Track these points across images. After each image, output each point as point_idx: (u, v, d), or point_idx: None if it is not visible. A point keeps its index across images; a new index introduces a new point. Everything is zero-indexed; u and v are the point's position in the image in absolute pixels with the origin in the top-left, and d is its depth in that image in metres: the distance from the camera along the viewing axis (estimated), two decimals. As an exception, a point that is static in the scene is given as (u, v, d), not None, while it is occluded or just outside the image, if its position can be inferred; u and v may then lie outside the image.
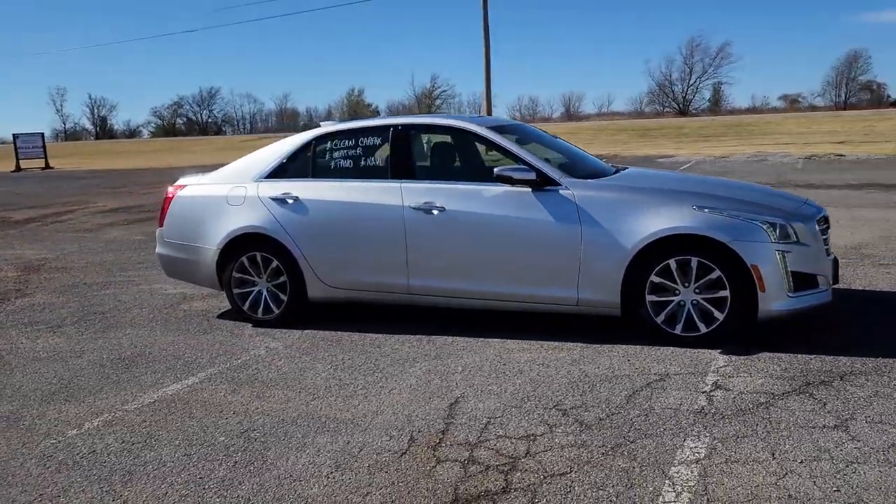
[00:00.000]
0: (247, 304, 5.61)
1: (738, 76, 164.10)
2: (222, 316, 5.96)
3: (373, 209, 5.22)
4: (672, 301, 4.62)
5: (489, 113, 31.50)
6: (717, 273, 4.49)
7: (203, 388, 4.30)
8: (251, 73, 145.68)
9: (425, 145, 5.88)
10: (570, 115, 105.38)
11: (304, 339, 5.21)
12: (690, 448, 3.24)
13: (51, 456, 3.48)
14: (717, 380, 4.04)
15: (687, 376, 4.12)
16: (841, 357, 4.28)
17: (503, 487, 2.98)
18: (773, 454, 3.15)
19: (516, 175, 4.82)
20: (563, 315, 5.07)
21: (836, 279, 4.84)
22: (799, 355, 4.35)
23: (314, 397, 4.08)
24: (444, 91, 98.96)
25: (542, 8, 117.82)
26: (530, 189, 4.86)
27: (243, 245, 5.53)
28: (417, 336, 5.10)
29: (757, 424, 3.45)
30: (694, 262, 4.52)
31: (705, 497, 2.83)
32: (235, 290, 5.62)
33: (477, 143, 5.49)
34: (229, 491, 3.06)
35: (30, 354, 5.13)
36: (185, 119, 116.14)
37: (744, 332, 4.60)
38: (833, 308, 4.89)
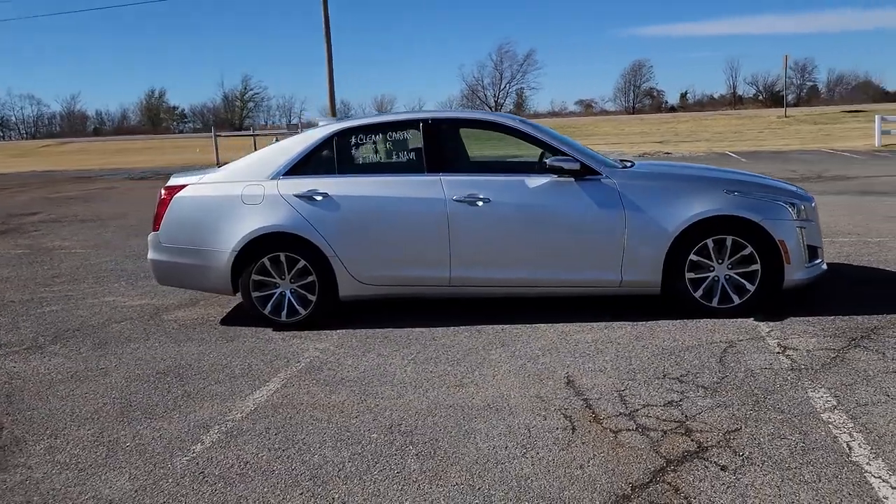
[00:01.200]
0: (268, 307, 5.36)
1: (543, 82, 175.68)
2: (226, 322, 5.64)
3: (413, 203, 5.21)
4: (708, 277, 5.09)
5: (333, 115, 31.22)
6: (749, 249, 5.01)
7: (295, 393, 4.11)
8: (33, 72, 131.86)
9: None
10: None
11: (348, 338, 5.08)
12: (819, 398, 3.66)
13: (201, 472, 3.22)
14: (779, 342, 4.54)
15: (750, 342, 4.58)
16: (856, 316, 4.96)
17: (697, 447, 3.21)
18: (888, 395, 3.65)
19: (566, 165, 5.05)
20: (569, 298, 5.36)
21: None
22: (822, 317, 4.98)
23: (425, 390, 4.06)
24: (257, 94, 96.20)
25: (352, 12, 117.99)
26: (573, 179, 5.11)
27: (264, 246, 5.27)
28: (460, 327, 5.16)
29: (849, 374, 3.96)
30: (729, 240, 5.02)
31: (874, 433, 3.24)
32: (255, 294, 5.34)
33: (511, 137, 5.64)
34: (441, 479, 3.03)
35: (44, 378, 4.58)
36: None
37: (770, 301, 5.15)
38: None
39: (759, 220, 4.97)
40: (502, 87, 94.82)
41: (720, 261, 5.07)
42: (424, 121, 5.42)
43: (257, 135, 29.94)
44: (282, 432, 3.58)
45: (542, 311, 5.41)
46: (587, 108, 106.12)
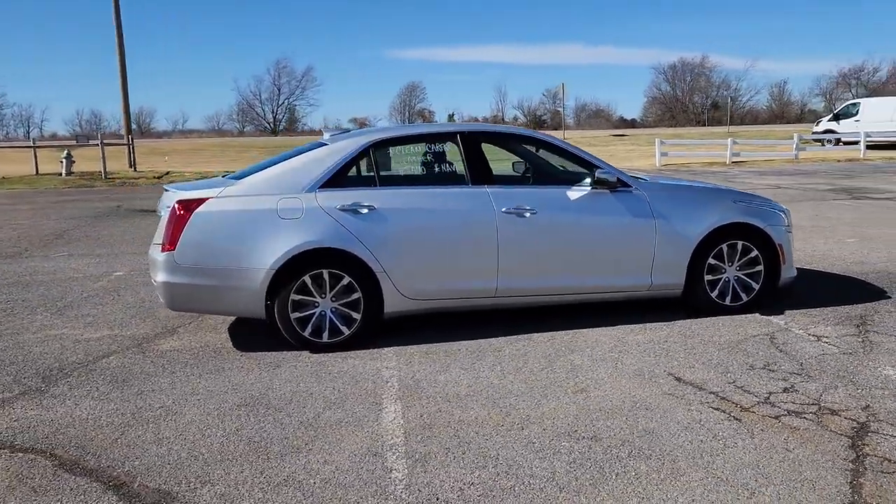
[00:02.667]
0: (308, 328, 5.01)
1: (321, 99, 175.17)
2: (244, 348, 5.16)
3: (462, 215, 5.19)
4: (721, 278, 5.65)
5: (127, 128, 28.85)
6: (755, 252, 5.65)
7: (429, 412, 3.95)
8: None
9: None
10: (142, 131, 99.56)
11: (405, 355, 4.92)
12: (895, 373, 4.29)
13: (442, 499, 3.03)
14: (805, 332, 5.18)
15: (782, 333, 5.17)
16: (840, 306, 5.79)
17: (858, 424, 3.64)
18: (941, 367, 4.38)
19: (611, 178, 5.34)
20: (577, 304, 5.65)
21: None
22: (812, 309, 5.74)
23: (555, 396, 4.11)
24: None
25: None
26: (608, 190, 5.42)
27: (306, 263, 4.94)
28: (508, 337, 5.21)
29: (891, 352, 4.66)
30: (739, 245, 5.62)
31: (970, 398, 3.91)
32: (294, 315, 4.98)
33: (542, 150, 5.79)
34: (678, 477, 3.15)
35: (103, 424, 3.92)
36: None
37: (768, 298, 5.83)
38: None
39: (763, 226, 5.63)
40: (280, 102, 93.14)
41: (730, 263, 5.65)
42: (461, 133, 5.42)
43: (37, 146, 26.68)
44: (469, 451, 3.45)
45: (566, 317, 5.60)
46: (361, 125, 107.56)
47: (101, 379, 4.61)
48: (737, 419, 3.73)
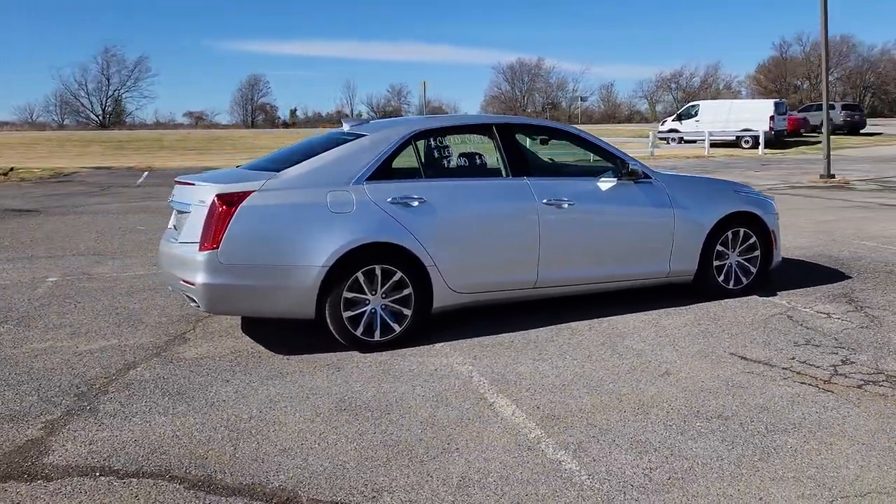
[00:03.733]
0: (360, 327, 4.80)
1: (157, 91, 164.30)
2: (282, 351, 4.85)
3: (508, 207, 5.18)
4: (725, 264, 6.03)
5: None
6: (753, 238, 6.08)
7: (549, 405, 3.92)
8: None
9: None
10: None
11: (465, 350, 4.85)
12: (920, 343, 4.80)
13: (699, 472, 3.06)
14: (812, 310, 5.64)
15: (795, 311, 5.60)
16: (819, 286, 6.35)
17: (925, 387, 4.06)
18: (950, 335, 4.95)
19: (639, 169, 5.53)
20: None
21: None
22: (799, 290, 6.26)
23: (650, 382, 4.22)
24: None
25: None
26: (633, 181, 5.62)
27: (359, 259, 4.74)
28: (549, 327, 5.26)
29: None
30: (742, 231, 6.02)
31: None
32: (346, 314, 4.75)
33: (569, 142, 5.85)
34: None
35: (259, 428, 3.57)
36: None
37: (763, 281, 6.28)
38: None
39: (761, 213, 6.07)
40: (110, 93, 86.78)
41: (733, 249, 6.03)
42: (497, 125, 5.40)
43: None
44: (618, 438, 3.48)
45: (584, 307, 5.73)
46: (198, 120, 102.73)
47: (151, 392, 4.17)
48: (828, 391, 4.01)
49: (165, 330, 5.42)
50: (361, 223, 4.74)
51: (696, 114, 34.81)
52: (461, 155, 5.39)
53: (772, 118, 32.07)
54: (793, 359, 4.55)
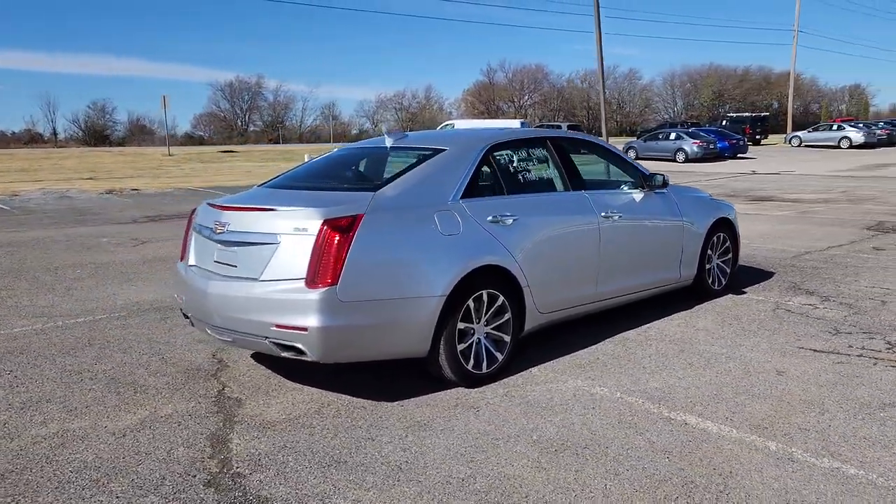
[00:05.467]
0: (471, 360, 4.40)
1: None
2: (383, 398, 4.29)
3: (578, 221, 5.08)
4: (711, 266, 6.50)
5: None
6: (728, 243, 6.64)
7: (728, 416, 3.94)
8: None
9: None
10: None
11: (562, 371, 4.67)
12: (914, 322, 5.62)
13: None
14: (796, 303, 6.30)
15: (782, 305, 6.21)
16: (766, 282, 7.11)
17: (975, 358, 4.78)
18: (923, 314, 5.86)
19: (662, 179, 5.74)
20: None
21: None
22: (756, 286, 6.96)
23: (772, 386, 4.42)
24: None
25: None
26: (653, 192, 5.84)
27: (470, 284, 4.34)
28: (605, 342, 5.26)
29: (868, 300, 6.02)
30: (721, 236, 6.54)
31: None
32: (460, 346, 4.33)
33: (597, 155, 5.82)
34: None
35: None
36: None
37: (732, 281, 6.85)
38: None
39: (732, 218, 6.65)
40: None
41: (714, 252, 6.53)
42: (550, 139, 5.28)
43: None
44: (826, 440, 3.61)
45: (610, 319, 5.83)
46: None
47: (307, 466, 3.42)
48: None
49: (192, 390, 4.45)
50: (470, 245, 4.33)
51: (451, 132, 36.68)
52: (541, 169, 5.17)
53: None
54: (850, 346, 5.04)
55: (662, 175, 5.81)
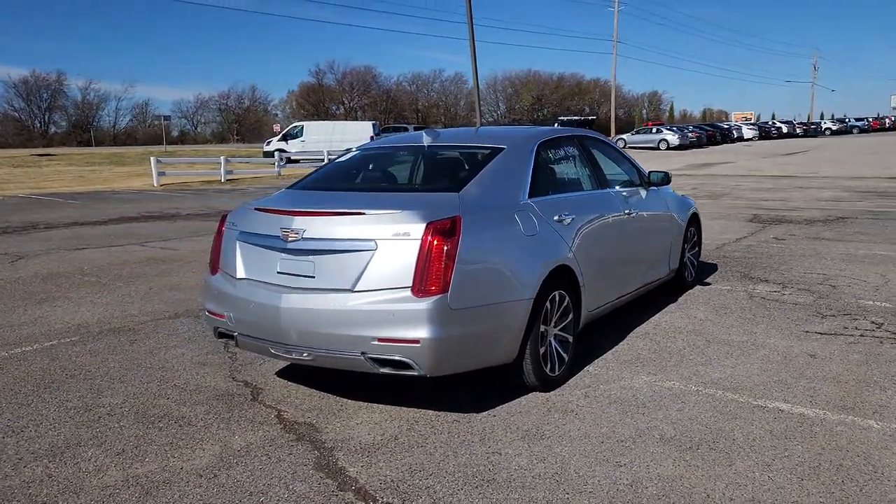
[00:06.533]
0: (548, 364, 4.31)
1: None
2: (466, 409, 4.12)
3: (613, 219, 5.13)
4: (685, 259, 6.82)
5: None
6: (696, 236, 7.01)
7: (841, 399, 4.15)
8: None
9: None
10: None
11: (627, 368, 4.72)
12: (869, 301, 6.22)
13: None
14: (764, 291, 6.76)
15: (753, 293, 6.64)
16: (717, 274, 7.57)
17: (953, 331, 5.38)
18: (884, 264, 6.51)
19: (662, 177, 5.91)
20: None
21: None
22: (708, 277, 7.40)
23: (823, 366, 4.74)
24: None
25: None
26: (650, 189, 6.02)
27: (549, 286, 4.25)
28: (631, 336, 5.37)
29: (846, 293, 6.61)
30: (692, 229, 6.88)
31: None
32: (542, 349, 4.23)
33: (606, 153, 5.84)
34: None
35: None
36: None
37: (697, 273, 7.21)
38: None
39: (697, 212, 7.01)
40: None
41: (687, 245, 6.85)
42: (578, 137, 5.29)
43: None
44: None
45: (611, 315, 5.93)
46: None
47: (450, 485, 3.18)
48: (919, 344, 5.02)
49: (245, 418, 4.00)
50: (547, 246, 4.25)
51: (301, 134, 35.77)
52: (578, 167, 5.13)
53: (372, 137, 34.72)
54: (846, 328, 5.48)
55: (665, 172, 6.00)
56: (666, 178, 5.99)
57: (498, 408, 4.05)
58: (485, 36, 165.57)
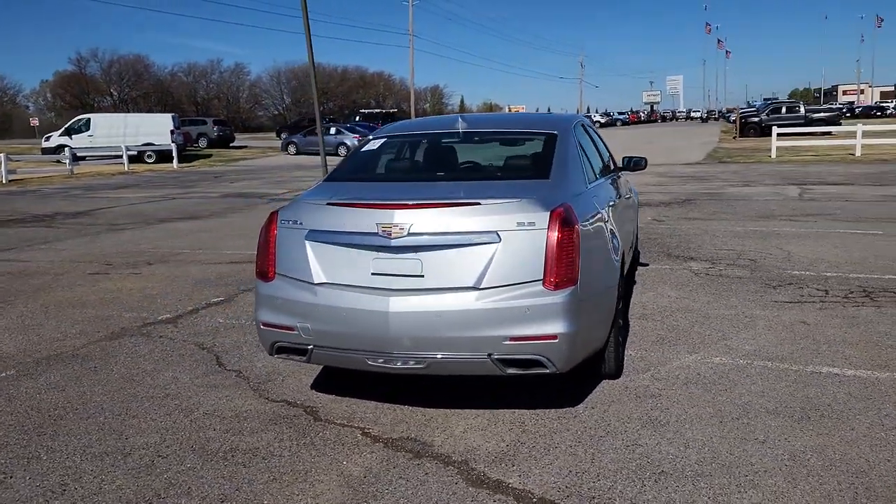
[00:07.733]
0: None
1: None
2: (543, 405, 4.00)
3: (625, 204, 5.22)
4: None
5: None
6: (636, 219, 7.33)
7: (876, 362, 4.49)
8: None
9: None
10: None
11: (651, 349, 4.83)
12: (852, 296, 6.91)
13: None
14: (717, 270, 7.23)
15: (710, 272, 7.08)
16: (650, 253, 8.00)
17: None
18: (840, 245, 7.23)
19: (631, 163, 6.05)
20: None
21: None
22: (644, 259, 7.79)
23: (843, 344, 5.17)
24: None
25: None
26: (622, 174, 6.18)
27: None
28: (639, 320, 5.56)
29: (769, 265, 7.25)
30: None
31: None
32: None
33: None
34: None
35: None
36: None
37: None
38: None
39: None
40: None
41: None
42: (584, 125, 5.26)
43: None
44: None
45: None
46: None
47: (634, 482, 3.07)
48: (877, 305, 5.65)
49: (330, 440, 3.56)
50: (616, 231, 4.21)
51: (87, 128, 32.31)
52: (589, 153, 5.05)
53: (172, 132, 32.20)
54: (802, 296, 6.00)
55: (644, 158, 6.15)
56: (644, 164, 6.17)
57: (586, 399, 3.93)
58: (267, 23, 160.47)
